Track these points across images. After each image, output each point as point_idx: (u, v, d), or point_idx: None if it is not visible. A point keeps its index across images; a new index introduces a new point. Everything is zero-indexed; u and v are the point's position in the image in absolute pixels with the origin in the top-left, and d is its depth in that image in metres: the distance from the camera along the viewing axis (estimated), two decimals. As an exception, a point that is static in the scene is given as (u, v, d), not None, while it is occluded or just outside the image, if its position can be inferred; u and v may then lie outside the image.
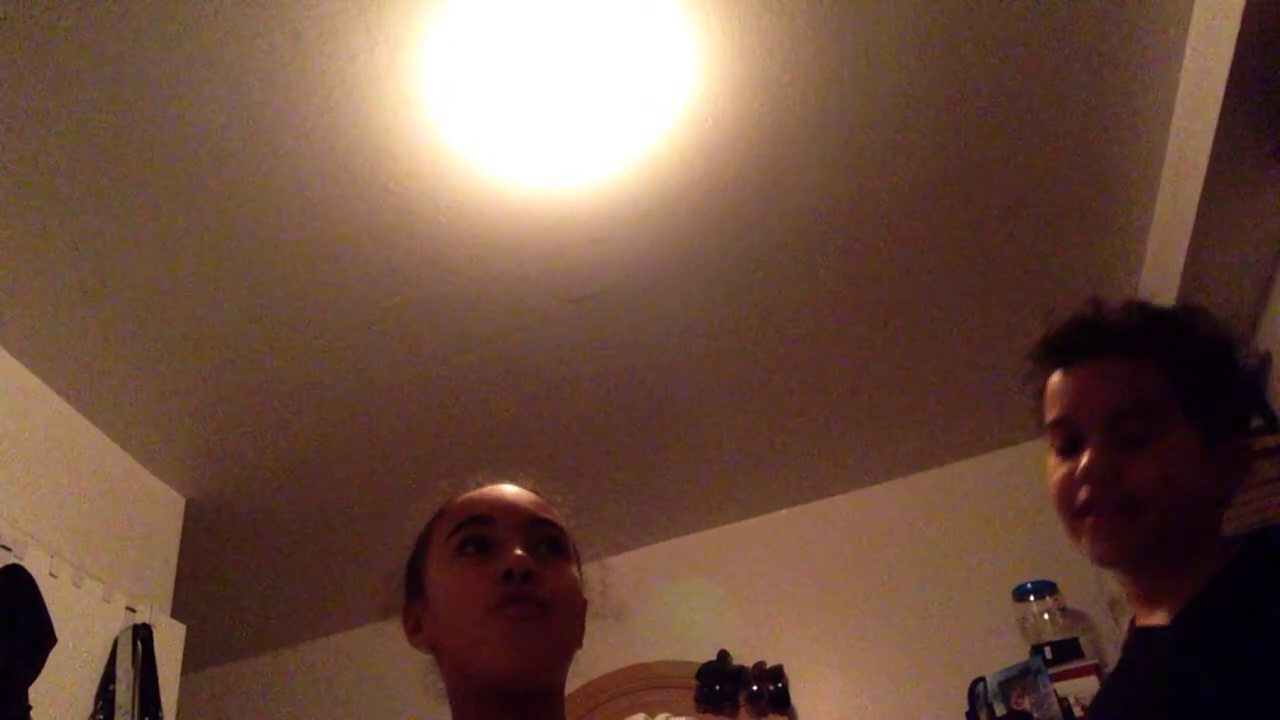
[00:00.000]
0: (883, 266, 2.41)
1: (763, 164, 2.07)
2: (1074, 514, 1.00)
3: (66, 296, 2.12)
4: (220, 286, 2.16)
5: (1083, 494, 0.98)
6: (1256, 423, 2.48)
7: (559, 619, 0.90)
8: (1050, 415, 1.04)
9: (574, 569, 0.97)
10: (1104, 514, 0.97)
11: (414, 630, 0.97)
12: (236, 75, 1.73)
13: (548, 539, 0.95)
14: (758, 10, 1.76)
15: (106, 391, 2.39)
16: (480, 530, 0.93)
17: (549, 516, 0.98)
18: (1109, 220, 2.35)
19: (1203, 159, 1.93)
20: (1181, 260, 2.21)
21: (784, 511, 3.38)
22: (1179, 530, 0.96)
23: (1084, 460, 0.98)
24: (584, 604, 0.97)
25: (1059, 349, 1.06)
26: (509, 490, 1.00)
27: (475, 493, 1.00)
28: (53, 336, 2.21)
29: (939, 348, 2.73)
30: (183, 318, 2.22)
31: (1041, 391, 1.07)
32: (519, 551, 0.90)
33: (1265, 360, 2.49)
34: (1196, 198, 2.02)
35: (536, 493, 1.02)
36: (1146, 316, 1.03)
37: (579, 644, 0.96)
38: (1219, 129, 1.84)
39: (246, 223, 2.02)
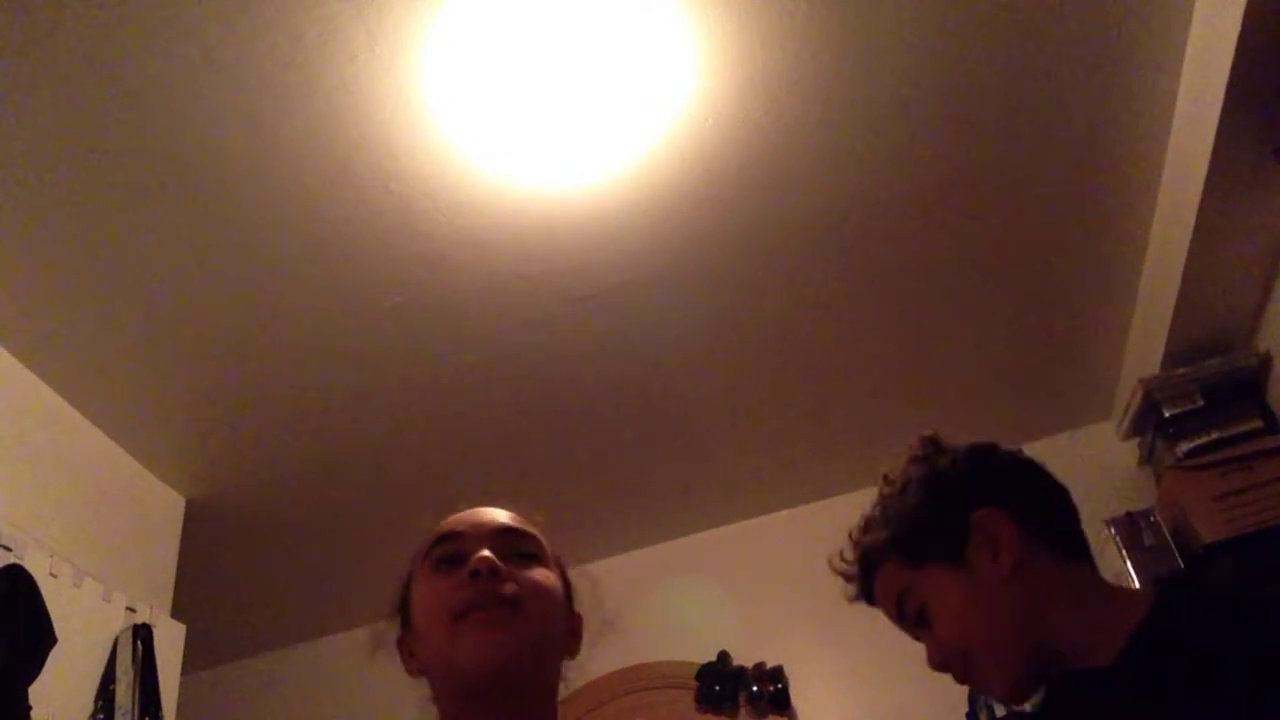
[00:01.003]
0: (882, 268, 2.40)
1: (763, 165, 2.07)
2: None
3: (67, 296, 2.12)
4: (221, 286, 2.16)
5: (953, 677, 1.12)
6: (1256, 423, 2.48)
7: (532, 613, 0.89)
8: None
9: (549, 572, 0.96)
10: (969, 680, 1.09)
11: (407, 658, 0.98)
12: (237, 76, 1.73)
13: (519, 546, 0.95)
14: (758, 10, 1.76)
15: (107, 391, 2.39)
16: (450, 547, 0.94)
17: (523, 527, 0.98)
18: (1109, 220, 2.35)
19: (1203, 159, 1.93)
20: (1182, 260, 2.21)
21: (784, 512, 3.38)
22: (1023, 649, 1.03)
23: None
24: (572, 626, 0.98)
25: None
26: (482, 510, 1.01)
27: (452, 517, 1.01)
28: (53, 336, 2.21)
29: (939, 348, 2.73)
30: (183, 318, 2.22)
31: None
32: (484, 552, 0.90)
33: (1265, 360, 2.49)
34: (1197, 198, 2.02)
35: (514, 511, 1.02)
36: (866, 529, 1.20)
37: (570, 648, 0.96)
38: (1219, 129, 1.84)
39: (247, 223, 2.02)
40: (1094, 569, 1.09)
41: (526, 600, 0.89)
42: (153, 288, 2.13)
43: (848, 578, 1.20)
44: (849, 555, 1.19)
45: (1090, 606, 1.02)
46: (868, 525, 1.18)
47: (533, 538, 0.97)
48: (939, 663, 1.09)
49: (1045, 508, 1.11)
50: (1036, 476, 1.14)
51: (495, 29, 1.72)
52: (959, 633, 1.05)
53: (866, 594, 1.17)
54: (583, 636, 1.00)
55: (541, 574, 0.94)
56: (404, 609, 0.99)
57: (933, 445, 1.19)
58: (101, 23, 1.61)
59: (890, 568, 1.12)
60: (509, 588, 0.89)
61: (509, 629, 0.87)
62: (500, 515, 0.99)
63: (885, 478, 1.20)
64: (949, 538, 1.07)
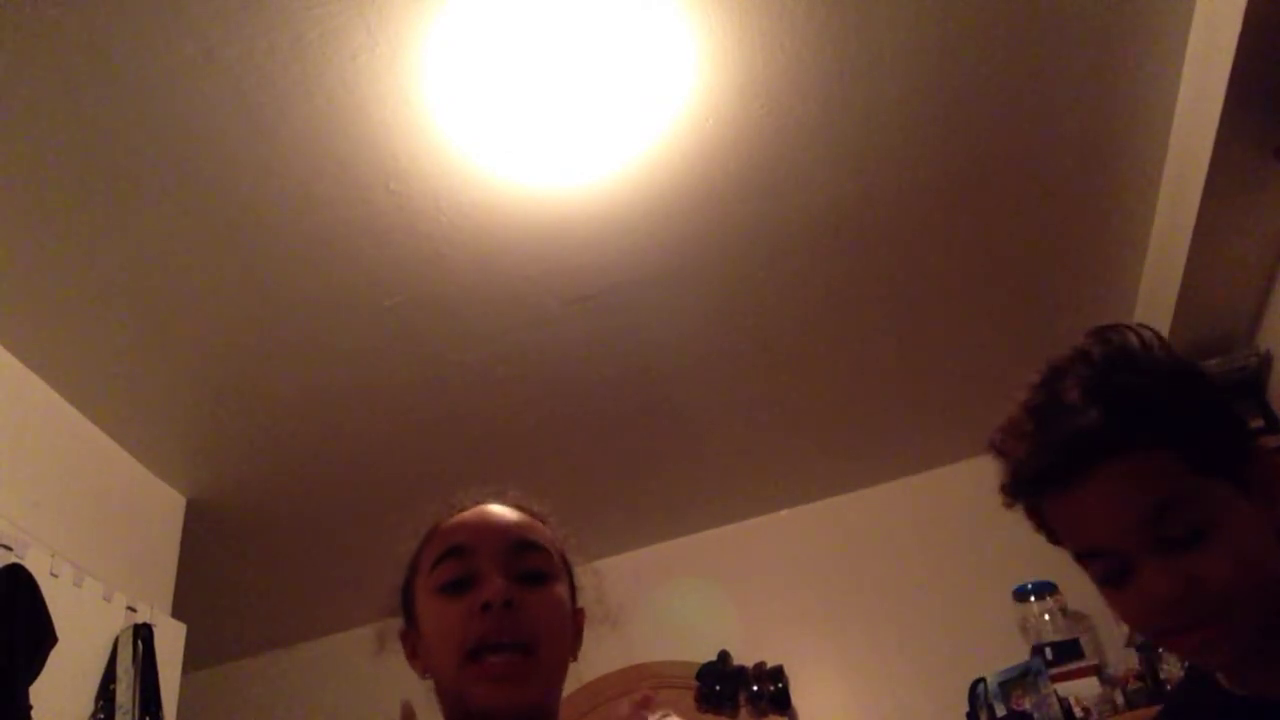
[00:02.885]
0: (883, 267, 2.41)
1: (763, 164, 2.07)
2: (1160, 634, 0.88)
3: (67, 296, 2.12)
4: (221, 286, 2.16)
5: (1166, 620, 0.85)
6: (1257, 423, 2.48)
7: (545, 655, 0.87)
8: (1075, 548, 0.90)
9: (561, 589, 0.93)
10: (1198, 630, 0.83)
11: (411, 655, 0.96)
12: (237, 76, 1.74)
13: (530, 564, 0.92)
14: (758, 10, 1.76)
15: (107, 391, 2.39)
16: (460, 567, 0.90)
17: (534, 538, 0.94)
18: (1110, 220, 2.35)
19: (1203, 159, 1.93)
20: (1182, 260, 2.21)
21: (784, 511, 3.38)
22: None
23: (1148, 588, 0.84)
24: (576, 623, 0.95)
25: (1040, 480, 0.89)
26: (493, 513, 0.96)
27: (459, 518, 0.97)
28: (54, 336, 2.21)
29: (940, 348, 2.73)
30: (184, 317, 2.22)
31: (1040, 520, 0.94)
32: (499, 580, 0.88)
33: (1265, 360, 2.49)
34: (1197, 198, 2.02)
35: (523, 508, 0.98)
36: (1110, 399, 0.85)
37: (573, 659, 0.94)
38: (1220, 129, 1.84)
39: (247, 223, 2.02)
40: None
41: (542, 643, 0.87)
42: (153, 287, 2.13)
43: (1036, 453, 0.88)
44: (1063, 423, 0.86)
45: None
46: (1109, 390, 0.85)
47: (544, 552, 0.94)
48: (1186, 598, 0.81)
49: None
50: None
51: (495, 29, 1.72)
52: (1251, 572, 0.81)
53: (1060, 475, 0.86)
54: (584, 631, 0.98)
55: (553, 599, 0.91)
56: (408, 608, 0.97)
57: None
58: (102, 22, 1.61)
59: (1159, 458, 0.83)
60: (525, 628, 0.86)
61: (523, 678, 0.85)
62: (510, 522, 0.95)
63: (1115, 339, 0.89)
64: (1237, 459, 0.85)
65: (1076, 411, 0.85)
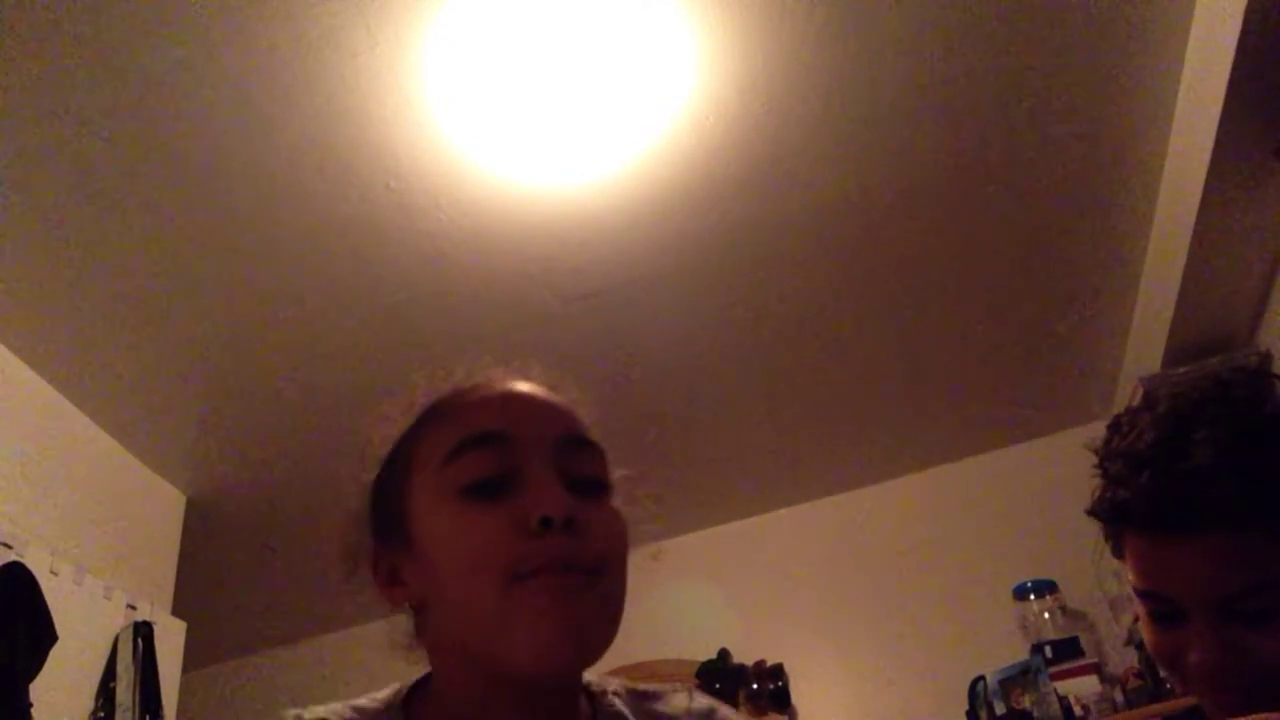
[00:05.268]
0: (883, 266, 2.41)
1: (763, 163, 2.07)
2: (1191, 685, 0.86)
3: (68, 295, 2.12)
4: (221, 285, 2.16)
5: (1205, 685, 0.83)
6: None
7: (612, 587, 0.65)
8: (1140, 585, 0.88)
9: (617, 509, 0.71)
10: (1235, 693, 0.81)
11: (388, 583, 0.71)
12: (237, 75, 1.74)
13: (588, 470, 0.70)
14: (758, 10, 1.76)
15: (108, 389, 2.39)
16: (495, 460, 0.66)
17: (589, 435, 0.73)
18: (1110, 220, 2.35)
19: (1203, 159, 1.93)
20: (1182, 260, 2.21)
21: (784, 511, 3.38)
22: None
23: (1200, 654, 0.81)
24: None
25: (1138, 521, 0.86)
26: (527, 395, 0.72)
27: (483, 394, 0.72)
28: (54, 334, 2.21)
29: (939, 347, 2.73)
30: (184, 316, 2.22)
31: (1116, 544, 0.91)
32: (558, 489, 0.65)
33: (1265, 359, 2.49)
34: (1197, 198, 2.02)
35: (556, 396, 0.75)
36: (1241, 473, 0.81)
37: None
38: (1220, 129, 1.84)
39: (247, 221, 2.02)
40: None
41: (608, 565, 0.65)
42: (153, 287, 2.13)
43: (1146, 497, 0.84)
44: (1186, 481, 0.81)
45: None
46: (1243, 464, 0.80)
47: (600, 454, 0.73)
48: (1234, 670, 0.80)
49: None
50: None
51: (495, 28, 1.72)
52: None
53: (1162, 525, 0.83)
54: None
55: (618, 520, 0.70)
56: (388, 516, 0.72)
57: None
58: (102, 22, 1.61)
59: (1263, 540, 0.80)
60: (589, 555, 0.64)
61: (587, 606, 0.63)
62: (557, 407, 0.73)
63: (1266, 403, 0.85)
64: None
65: (1203, 476, 0.81)
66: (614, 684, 0.78)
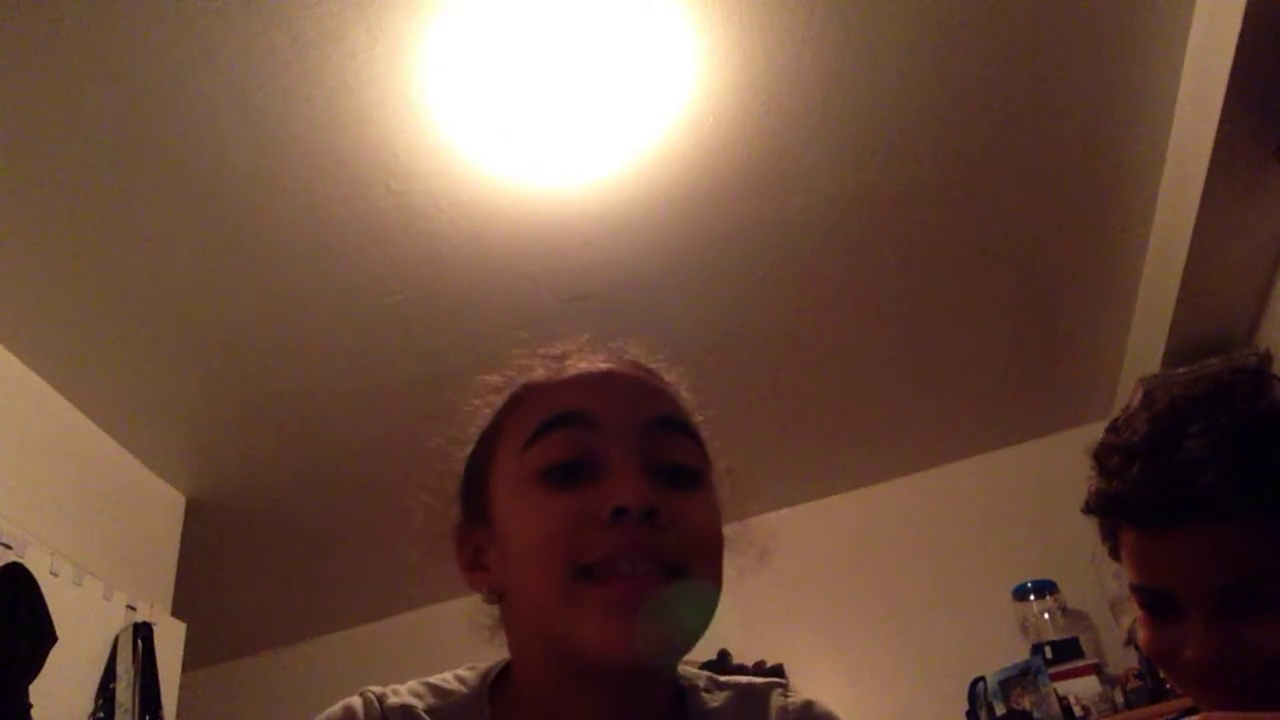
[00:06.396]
0: (883, 266, 2.41)
1: (763, 163, 2.07)
2: (1186, 683, 0.85)
3: (67, 295, 2.12)
4: (221, 285, 2.16)
5: (1200, 680, 0.82)
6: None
7: (698, 585, 0.61)
8: (1135, 579, 0.87)
9: (714, 502, 0.68)
10: (1229, 692, 0.80)
11: (471, 566, 0.68)
12: (237, 75, 1.73)
13: (680, 457, 0.65)
14: (758, 10, 1.76)
15: (107, 389, 2.39)
16: (575, 443, 0.63)
17: (684, 418, 0.69)
18: (1109, 219, 2.35)
19: (1203, 159, 1.93)
20: (1182, 260, 2.21)
21: (784, 510, 3.38)
22: None
23: (1191, 650, 0.81)
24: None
25: (1131, 513, 0.85)
26: (617, 372, 0.69)
27: (572, 373, 0.69)
28: (53, 334, 2.21)
29: (938, 347, 2.73)
30: (183, 316, 2.22)
31: (1111, 542, 0.91)
32: (637, 477, 0.61)
33: (1265, 359, 2.49)
34: (1197, 198, 2.02)
35: (651, 375, 0.70)
36: (1235, 463, 0.80)
37: None
38: (1220, 129, 1.84)
39: (247, 221, 2.02)
40: None
41: (690, 562, 0.61)
42: (153, 287, 2.13)
43: (1138, 488, 0.83)
44: (1178, 472, 0.80)
45: None
46: (1237, 454, 0.79)
47: (696, 440, 0.68)
48: (1231, 663, 0.79)
49: None
50: None
51: (495, 28, 1.72)
52: None
53: (1155, 518, 0.82)
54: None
55: (710, 511, 0.66)
56: (475, 496, 0.69)
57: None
58: (102, 22, 1.61)
59: (1258, 530, 0.79)
60: (670, 550, 0.60)
61: (658, 607, 0.58)
62: (651, 387, 0.68)
63: (1262, 401, 0.84)
64: None
65: (1195, 466, 0.80)
66: (705, 678, 0.75)
